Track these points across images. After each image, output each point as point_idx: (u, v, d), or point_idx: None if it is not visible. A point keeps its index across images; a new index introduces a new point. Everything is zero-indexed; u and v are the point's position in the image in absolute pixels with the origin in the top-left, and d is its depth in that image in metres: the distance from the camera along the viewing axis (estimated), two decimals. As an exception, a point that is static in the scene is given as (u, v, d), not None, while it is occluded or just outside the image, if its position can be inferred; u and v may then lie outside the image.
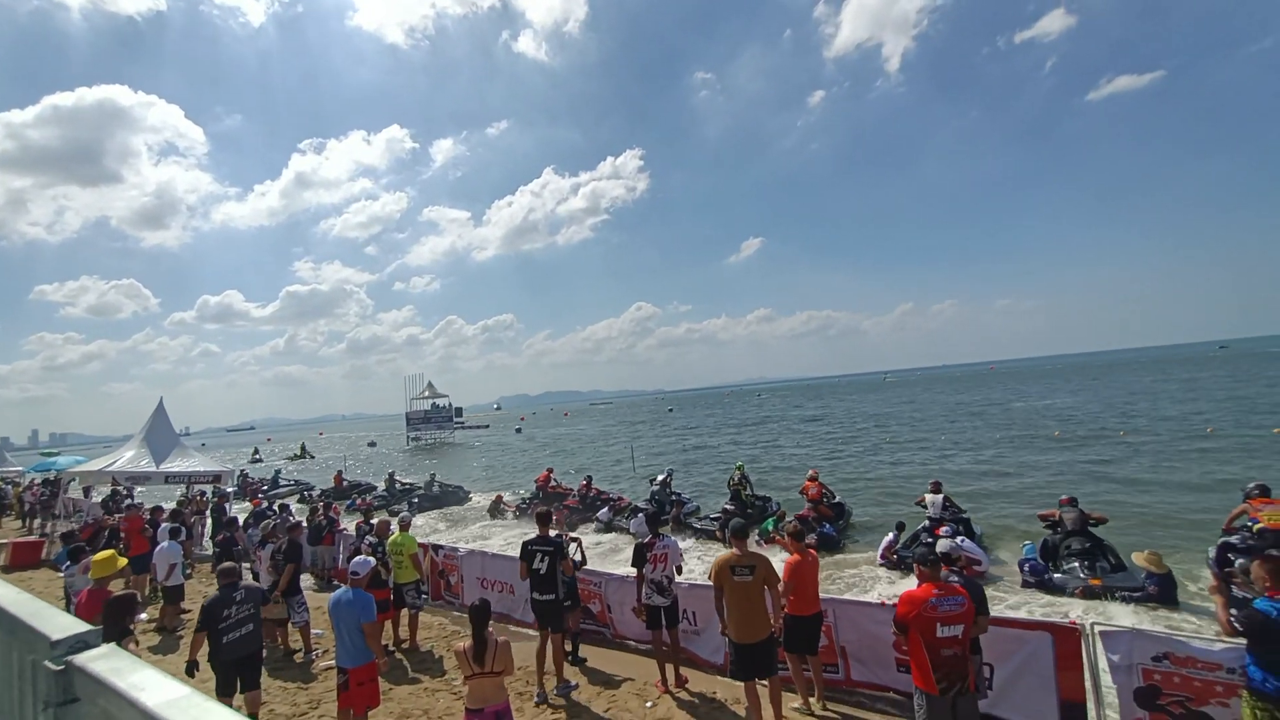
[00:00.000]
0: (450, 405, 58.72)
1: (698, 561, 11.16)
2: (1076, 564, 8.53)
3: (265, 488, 26.01)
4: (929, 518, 10.76)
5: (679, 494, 16.33)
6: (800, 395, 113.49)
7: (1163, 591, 7.47)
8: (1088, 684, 4.62)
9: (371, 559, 5.33)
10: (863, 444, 30.06)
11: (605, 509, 15.26)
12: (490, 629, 3.98)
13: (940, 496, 10.99)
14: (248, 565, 9.65)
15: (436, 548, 9.66)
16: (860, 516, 13.76)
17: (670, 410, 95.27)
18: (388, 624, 7.58)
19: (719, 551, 8.94)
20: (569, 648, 6.53)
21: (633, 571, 6.07)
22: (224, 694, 5.32)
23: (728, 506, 13.85)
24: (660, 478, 16.52)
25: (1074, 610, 7.61)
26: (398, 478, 23.90)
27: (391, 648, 7.44)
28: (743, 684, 4.91)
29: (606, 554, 12.57)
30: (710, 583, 5.12)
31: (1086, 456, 20.30)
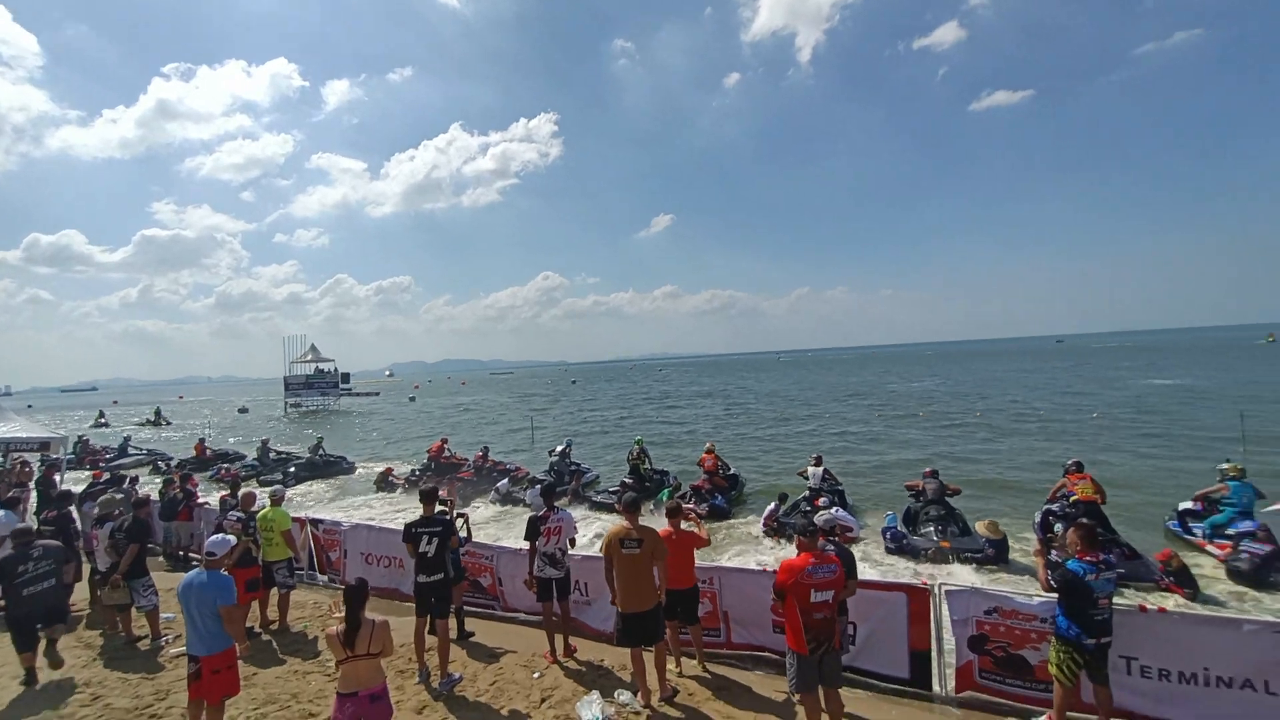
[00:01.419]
0: (336, 370, 54.75)
1: (595, 535, 11.27)
2: (932, 529, 9.58)
3: (110, 457, 23.08)
4: (809, 488, 11.54)
5: (579, 464, 16.35)
6: (701, 371, 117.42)
7: (998, 554, 8.58)
8: (933, 635, 5.20)
9: (232, 537, 4.86)
10: (756, 419, 31.69)
11: (503, 480, 14.99)
12: (364, 611, 3.75)
13: (820, 469, 11.81)
14: (81, 544, 8.49)
15: (316, 522, 9.04)
16: (752, 487, 14.49)
17: (574, 382, 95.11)
18: (255, 605, 7.04)
19: (616, 523, 9.09)
20: (452, 628, 6.34)
21: (526, 544, 6.00)
22: (24, 649, 5.56)
23: (626, 480, 14.08)
24: (560, 448, 16.44)
25: (926, 571, 8.53)
26: (273, 446, 22.03)
27: (258, 629, 6.92)
28: (629, 650, 5.03)
29: (502, 525, 12.39)
30: (601, 553, 5.17)
31: (946, 434, 22.71)
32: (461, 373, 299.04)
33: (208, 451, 22.02)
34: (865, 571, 8.52)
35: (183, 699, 4.86)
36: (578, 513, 12.68)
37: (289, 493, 15.73)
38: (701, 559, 5.92)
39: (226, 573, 4.60)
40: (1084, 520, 5.35)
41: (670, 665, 5.48)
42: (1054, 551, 5.70)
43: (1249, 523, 8.15)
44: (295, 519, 8.26)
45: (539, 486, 7.50)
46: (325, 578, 8.78)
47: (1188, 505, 9.69)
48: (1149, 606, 4.87)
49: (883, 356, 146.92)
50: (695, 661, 5.71)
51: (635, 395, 57.09)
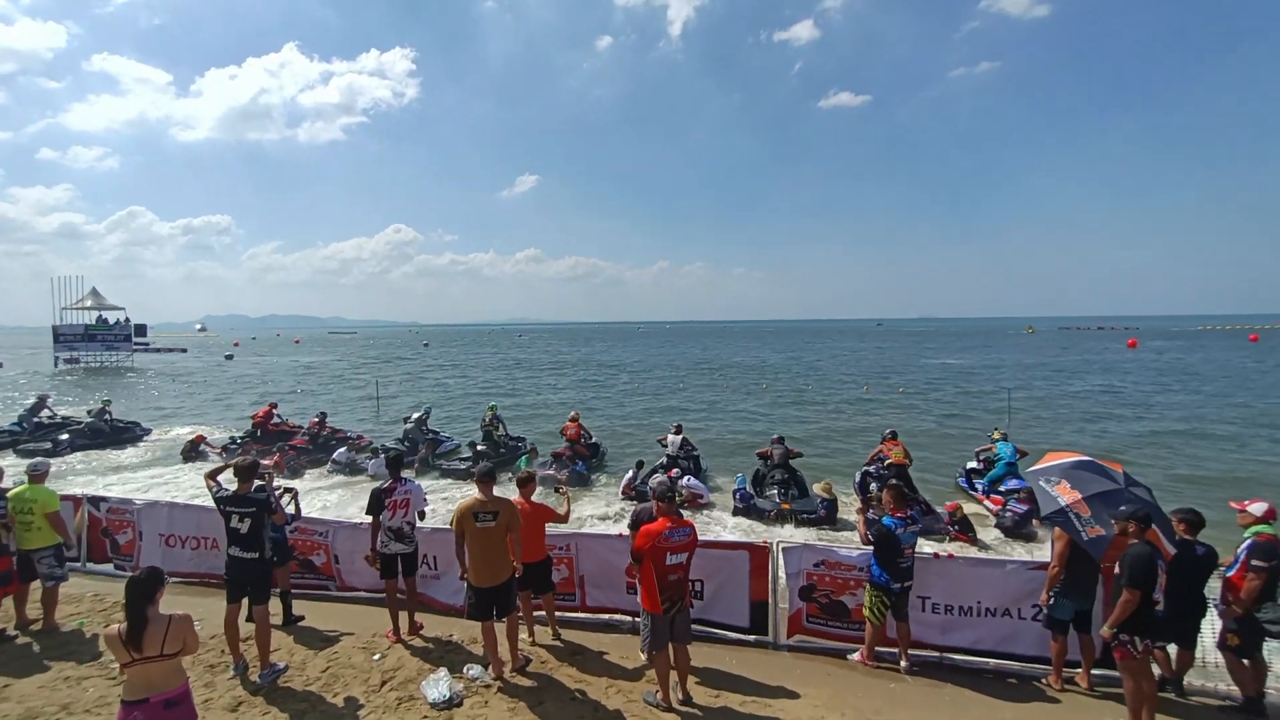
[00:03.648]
0: (127, 320, 46.01)
1: (444, 503, 10.75)
2: (775, 491, 10.46)
3: None
4: (667, 455, 12.01)
5: (436, 432, 15.46)
6: (562, 339, 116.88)
7: (829, 513, 9.64)
8: (770, 587, 5.67)
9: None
10: (617, 389, 32.29)
11: (343, 449, 13.70)
12: (156, 606, 3.14)
13: (680, 437, 12.32)
14: None
15: (96, 500, 7.56)
16: (613, 456, 14.72)
17: (425, 345, 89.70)
18: (8, 602, 5.78)
19: (470, 492, 8.70)
20: (277, 614, 5.67)
21: (367, 519, 5.51)
22: None
23: (481, 447, 13.60)
24: (416, 415, 15.38)
25: (767, 530, 9.32)
26: (51, 405, 17.96)
27: (12, 631, 5.67)
28: (480, 624, 4.86)
29: (343, 497, 11.36)
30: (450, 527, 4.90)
31: (788, 405, 24.95)
32: (294, 330, 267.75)
33: (-63, 415, 17.46)
34: (715, 530, 9.16)
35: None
36: (429, 482, 12.02)
37: (59, 464, 13.08)
38: (561, 525, 5.87)
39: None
40: (895, 481, 6.14)
41: (522, 634, 5.40)
42: (871, 509, 6.47)
43: (1017, 481, 9.94)
44: (66, 497, 6.86)
45: (383, 456, 6.94)
46: (111, 565, 7.42)
47: (973, 464, 11.72)
48: (941, 554, 5.73)
49: (734, 331, 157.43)
50: (549, 629, 5.68)
51: (493, 361, 55.35)
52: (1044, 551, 7.56)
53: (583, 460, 12.69)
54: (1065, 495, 4.69)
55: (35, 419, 16.77)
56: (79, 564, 7.25)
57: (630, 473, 11.26)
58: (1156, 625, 4.22)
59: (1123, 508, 4.37)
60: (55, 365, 43.80)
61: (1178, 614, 4.62)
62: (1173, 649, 4.87)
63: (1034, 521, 9.08)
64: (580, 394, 29.88)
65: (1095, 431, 18.27)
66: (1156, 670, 4.69)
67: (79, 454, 15.09)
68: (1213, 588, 4.76)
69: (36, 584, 5.81)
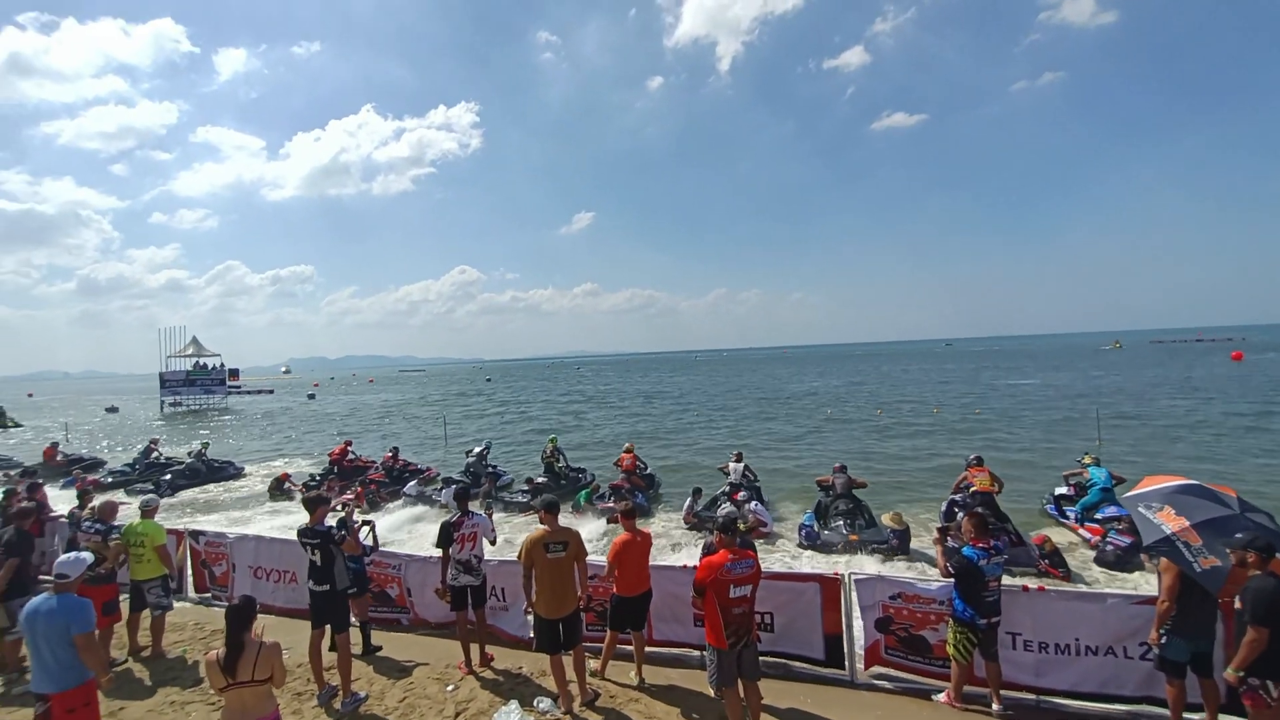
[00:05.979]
0: (222, 365, 49.97)
1: (505, 540, 10.93)
2: (841, 522, 10.05)
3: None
4: (730, 483, 11.81)
5: (495, 466, 15.87)
6: (619, 370, 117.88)
7: (901, 544, 9.18)
8: (844, 619, 5.43)
9: (88, 555, 4.23)
10: (673, 419, 32.16)
11: (413, 482, 14.26)
12: (255, 632, 3.36)
13: (741, 465, 12.12)
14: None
15: (196, 534, 8.17)
16: (669, 486, 14.60)
17: (489, 380, 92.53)
18: (121, 629, 6.24)
19: (529, 524, 8.87)
20: (356, 643, 5.88)
21: (437, 552, 5.69)
22: None
23: (540, 479, 13.81)
24: (477, 449, 15.91)
25: (838, 561, 8.95)
26: (160, 449, 19.72)
27: (125, 657, 6.13)
28: (548, 656, 4.88)
29: (416, 529, 11.76)
30: (518, 560, 4.98)
31: (851, 431, 24.08)
32: (367, 369, 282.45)
33: (59, 456, 19.38)
34: (780, 562, 8.90)
35: (25, 745, 4.20)
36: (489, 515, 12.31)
37: (166, 502, 14.18)
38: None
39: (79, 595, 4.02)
40: (977, 510, 5.79)
41: (592, 666, 5.37)
42: (950, 539, 6.12)
43: (1115, 509, 9.15)
44: (170, 531, 7.43)
45: (454, 488, 7.18)
46: (210, 595, 7.95)
47: (1062, 490, 10.89)
48: (1030, 586, 5.33)
49: (793, 357, 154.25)
50: (634, 674, 5.42)
51: (552, 394, 56.42)
52: (1149, 585, 6.92)
53: (640, 491, 12.65)
54: (1170, 523, 4.28)
55: (146, 461, 18.44)
56: (181, 594, 7.81)
57: (689, 500, 11.14)
58: (1292, 669, 3.75)
59: (1238, 535, 3.95)
60: (161, 409, 47.95)
61: (1318, 657, 4.09)
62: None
63: (1141, 555, 8.31)
64: (637, 425, 29.93)
65: (1202, 456, 16.59)
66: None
67: (182, 493, 16.31)
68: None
69: (146, 613, 6.29)
